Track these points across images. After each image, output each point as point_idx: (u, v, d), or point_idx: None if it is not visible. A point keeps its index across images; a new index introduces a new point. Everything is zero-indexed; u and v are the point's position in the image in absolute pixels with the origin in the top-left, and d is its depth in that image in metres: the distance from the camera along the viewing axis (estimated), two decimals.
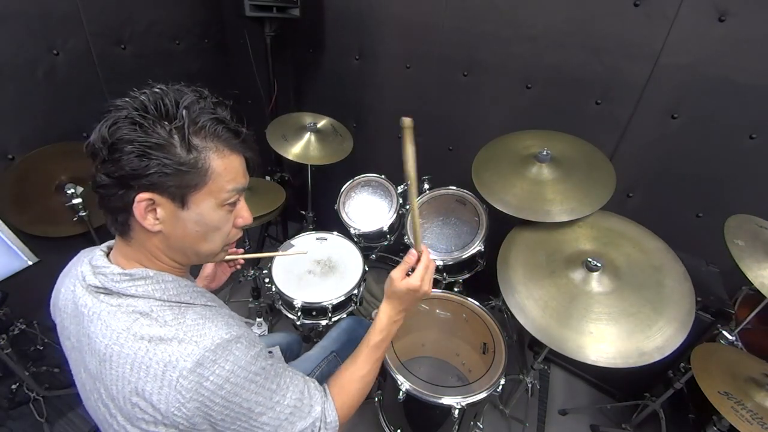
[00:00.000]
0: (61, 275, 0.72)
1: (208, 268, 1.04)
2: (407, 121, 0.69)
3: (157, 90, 0.57)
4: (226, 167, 0.60)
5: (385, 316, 0.84)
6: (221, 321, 0.61)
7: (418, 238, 0.82)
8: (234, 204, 0.65)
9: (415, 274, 0.81)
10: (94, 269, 0.62)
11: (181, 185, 0.57)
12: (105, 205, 0.59)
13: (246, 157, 0.65)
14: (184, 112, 0.56)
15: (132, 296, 0.59)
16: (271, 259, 1.52)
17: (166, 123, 0.55)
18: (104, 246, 0.68)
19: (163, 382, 0.54)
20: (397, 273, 0.81)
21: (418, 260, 0.82)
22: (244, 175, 0.65)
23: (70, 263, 0.73)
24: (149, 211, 0.58)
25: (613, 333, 0.99)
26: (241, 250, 1.05)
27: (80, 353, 0.64)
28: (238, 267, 1.10)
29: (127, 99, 0.56)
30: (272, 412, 0.62)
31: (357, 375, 0.81)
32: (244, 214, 0.67)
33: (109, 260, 0.64)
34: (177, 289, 0.63)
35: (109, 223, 0.62)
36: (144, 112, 0.54)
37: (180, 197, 0.58)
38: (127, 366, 0.56)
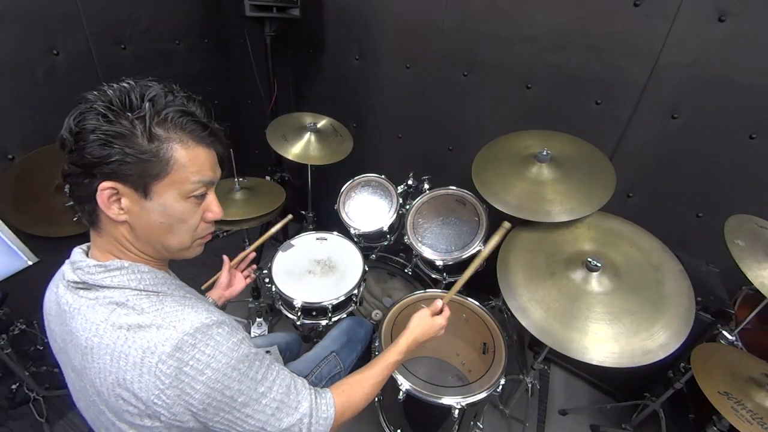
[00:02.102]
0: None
1: (222, 276, 1.11)
2: (506, 225, 0.99)
3: (125, 84, 0.58)
4: (190, 158, 0.60)
5: (405, 341, 0.94)
6: (201, 307, 0.61)
7: (450, 296, 1.04)
8: (202, 197, 0.64)
9: (442, 315, 1.01)
10: (72, 265, 0.63)
11: (142, 174, 0.57)
12: (73, 195, 0.61)
13: (216, 151, 0.65)
14: (147, 104, 0.56)
15: (107, 287, 0.60)
16: (271, 258, 1.53)
17: (130, 114, 0.56)
18: (84, 245, 0.68)
19: (143, 369, 0.54)
20: (427, 312, 1.00)
21: (441, 309, 1.03)
22: (212, 168, 0.64)
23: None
24: (114, 201, 0.58)
25: (616, 333, 0.99)
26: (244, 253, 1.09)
27: (66, 353, 0.64)
28: (254, 277, 1.20)
29: (95, 92, 0.57)
30: (257, 404, 0.61)
31: (367, 382, 0.84)
32: (214, 209, 0.66)
33: (87, 256, 0.64)
34: (153, 279, 0.63)
35: (80, 213, 0.63)
36: (109, 104, 0.55)
37: (142, 187, 0.58)
38: (107, 357, 0.56)
